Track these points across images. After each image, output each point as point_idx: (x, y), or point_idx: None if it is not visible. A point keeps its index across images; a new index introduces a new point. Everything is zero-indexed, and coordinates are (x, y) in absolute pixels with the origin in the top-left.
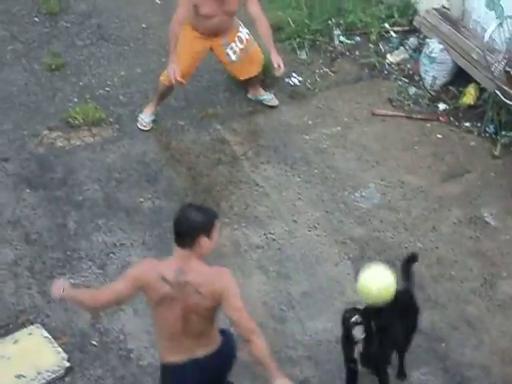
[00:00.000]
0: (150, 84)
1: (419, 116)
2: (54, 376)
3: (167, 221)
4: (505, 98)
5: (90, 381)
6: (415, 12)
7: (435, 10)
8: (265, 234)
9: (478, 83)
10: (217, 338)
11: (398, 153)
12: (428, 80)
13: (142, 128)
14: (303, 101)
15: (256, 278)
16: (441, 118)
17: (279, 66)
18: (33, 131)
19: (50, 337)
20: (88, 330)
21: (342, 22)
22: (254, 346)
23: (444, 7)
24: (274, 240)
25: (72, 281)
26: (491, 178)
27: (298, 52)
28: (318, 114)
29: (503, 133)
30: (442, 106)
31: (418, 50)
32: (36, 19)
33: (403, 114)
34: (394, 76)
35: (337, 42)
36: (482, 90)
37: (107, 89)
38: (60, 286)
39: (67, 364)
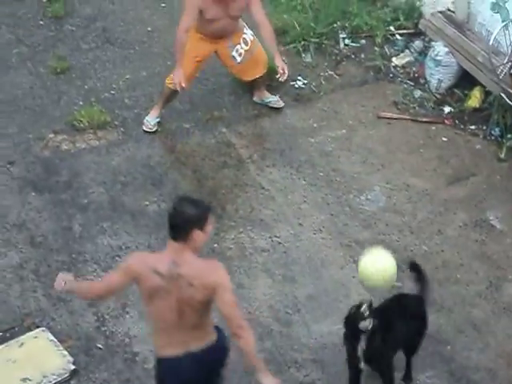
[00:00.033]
0: (156, 87)
1: (424, 119)
2: (59, 379)
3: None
4: (510, 100)
5: None
6: (420, 15)
7: (440, 13)
8: (270, 237)
9: (483, 86)
10: (212, 332)
11: (403, 156)
12: (433, 83)
13: (148, 130)
14: (308, 104)
15: (261, 281)
16: (446, 121)
17: (284, 71)
18: (38, 134)
19: (55, 340)
20: (93, 333)
21: (347, 25)
22: (243, 342)
23: (449, 10)
24: (280, 243)
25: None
26: (497, 181)
27: (303, 55)
28: (323, 116)
29: (509, 136)
30: (447, 109)
31: (423, 53)
32: (41, 22)
33: (408, 117)
34: (400, 79)
35: (342, 45)
36: (487, 93)
37: (112, 92)
38: (63, 279)
39: (73, 367)
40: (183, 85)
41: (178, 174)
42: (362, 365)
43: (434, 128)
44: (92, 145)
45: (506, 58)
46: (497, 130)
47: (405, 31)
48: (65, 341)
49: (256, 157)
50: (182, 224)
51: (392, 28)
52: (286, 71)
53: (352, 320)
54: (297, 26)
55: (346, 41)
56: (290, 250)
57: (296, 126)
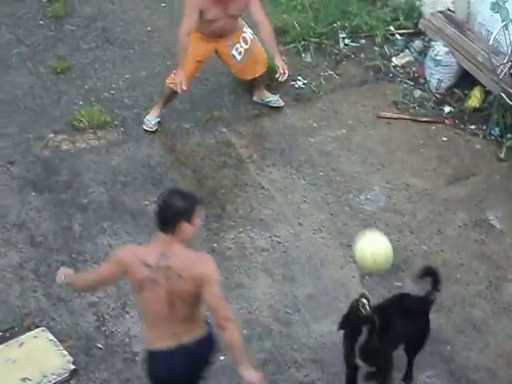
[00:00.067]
0: (155, 87)
1: (424, 119)
2: (59, 379)
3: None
4: (510, 100)
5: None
6: (420, 15)
7: (440, 12)
8: (270, 237)
9: (483, 86)
10: (203, 324)
11: (403, 156)
12: (433, 83)
13: (148, 129)
14: (308, 104)
15: (261, 280)
16: (446, 121)
17: (284, 71)
18: (38, 134)
19: (55, 340)
20: (93, 332)
21: (347, 24)
22: (228, 334)
23: (449, 10)
24: (280, 243)
25: None
26: (497, 181)
27: (303, 55)
28: (323, 116)
29: (508, 135)
30: (447, 109)
31: (423, 52)
32: (41, 22)
33: (408, 117)
34: (399, 79)
35: (342, 45)
36: (487, 93)
37: (112, 92)
38: (63, 273)
39: (72, 367)
40: (184, 87)
41: (177, 173)
42: (358, 360)
43: (433, 128)
44: (92, 145)
45: (506, 58)
46: (497, 129)
47: (405, 31)
48: (65, 340)
49: (256, 156)
50: (170, 216)
51: (392, 28)
52: (286, 71)
53: (354, 312)
54: (297, 25)
55: (346, 41)
56: (290, 249)
57: (296, 126)
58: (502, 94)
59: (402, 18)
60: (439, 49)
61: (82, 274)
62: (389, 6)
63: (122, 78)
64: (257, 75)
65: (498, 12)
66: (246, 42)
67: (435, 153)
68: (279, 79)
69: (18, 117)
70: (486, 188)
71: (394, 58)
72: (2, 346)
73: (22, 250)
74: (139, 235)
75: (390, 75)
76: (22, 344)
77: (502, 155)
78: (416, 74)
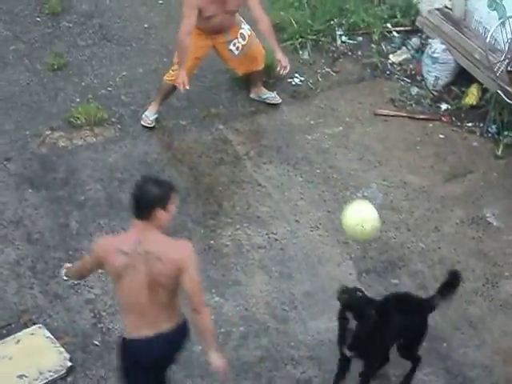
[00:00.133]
0: (152, 84)
1: (421, 116)
2: (56, 376)
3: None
4: (507, 98)
5: (93, 381)
6: (417, 12)
7: (437, 10)
8: (267, 234)
9: (480, 83)
10: (180, 312)
11: (400, 153)
12: (430, 80)
13: (147, 125)
14: (305, 101)
15: (258, 278)
16: (443, 119)
17: (285, 64)
18: (35, 131)
19: (52, 337)
20: (90, 329)
21: (344, 22)
22: (201, 317)
23: (446, 7)
24: (277, 240)
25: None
26: (494, 179)
27: (300, 52)
28: (320, 113)
29: (506, 133)
30: (444, 107)
31: (420, 50)
32: (38, 19)
33: (405, 114)
34: (396, 76)
35: (339, 42)
36: (484, 90)
37: (109, 89)
38: (65, 268)
39: (69, 364)
40: (187, 87)
41: (174, 170)
42: (346, 350)
43: (430, 125)
44: (89, 141)
45: (503, 55)
46: (494, 127)
47: (402, 28)
48: (61, 337)
49: (253, 153)
50: (145, 203)
51: (389, 25)
52: (288, 65)
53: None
54: (294, 23)
55: (343, 38)
56: (287, 246)
57: (293, 123)
58: (499, 92)
59: (399, 16)
60: (436, 46)
61: (73, 266)
62: (386, 4)
63: (119, 74)
64: (254, 69)
65: (495, 9)
66: (243, 38)
67: (432, 150)
68: (281, 72)
69: (14, 114)
70: (482, 185)
71: (391, 56)
72: None
73: (18, 247)
74: None
75: (387, 72)
76: (18, 341)
77: (499, 152)
78: (413, 72)
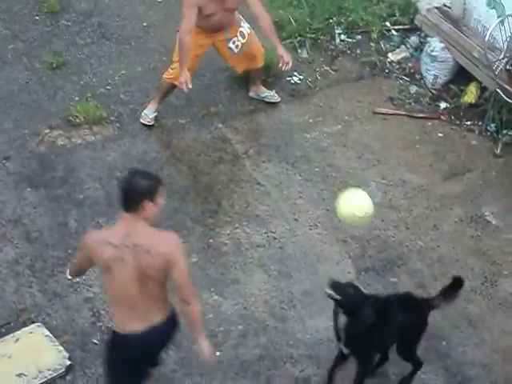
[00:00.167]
0: (151, 82)
1: (420, 115)
2: (55, 374)
3: (168, 219)
4: (506, 96)
5: (92, 379)
6: (416, 11)
7: (436, 8)
8: (266, 233)
9: (479, 82)
10: (169, 303)
11: (398, 151)
12: (429, 79)
13: (146, 123)
14: (304, 99)
15: (257, 276)
16: (442, 117)
17: (287, 61)
18: (34, 130)
19: (51, 335)
20: (89, 328)
21: (343, 20)
22: (191, 308)
23: (445, 6)
24: (275, 239)
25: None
26: (492, 177)
27: (299, 50)
28: (319, 112)
29: (504, 131)
30: (443, 105)
31: (419, 48)
32: (37, 18)
33: (404, 113)
34: (395, 75)
35: (338, 41)
36: (483, 89)
37: (108, 87)
38: (68, 267)
39: (68, 362)
40: (190, 86)
41: (173, 169)
42: (341, 345)
43: (429, 124)
44: (88, 140)
45: (502, 54)
46: (492, 125)
47: (401, 27)
48: (60, 336)
49: (252, 152)
50: (133, 195)
51: (388, 23)
52: (290, 60)
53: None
54: (293, 21)
55: (342, 36)
56: (286, 245)
57: (292, 122)
58: (498, 90)
59: (398, 14)
60: (435, 44)
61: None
62: (385, 2)
63: (117, 73)
64: (253, 68)
65: (493, 8)
66: (243, 36)
67: (431, 149)
68: (283, 68)
69: (13, 112)
70: (481, 184)
71: (389, 54)
72: None
73: (17, 246)
74: None
75: (386, 71)
76: (17, 339)
77: (498, 151)
78: (412, 70)
